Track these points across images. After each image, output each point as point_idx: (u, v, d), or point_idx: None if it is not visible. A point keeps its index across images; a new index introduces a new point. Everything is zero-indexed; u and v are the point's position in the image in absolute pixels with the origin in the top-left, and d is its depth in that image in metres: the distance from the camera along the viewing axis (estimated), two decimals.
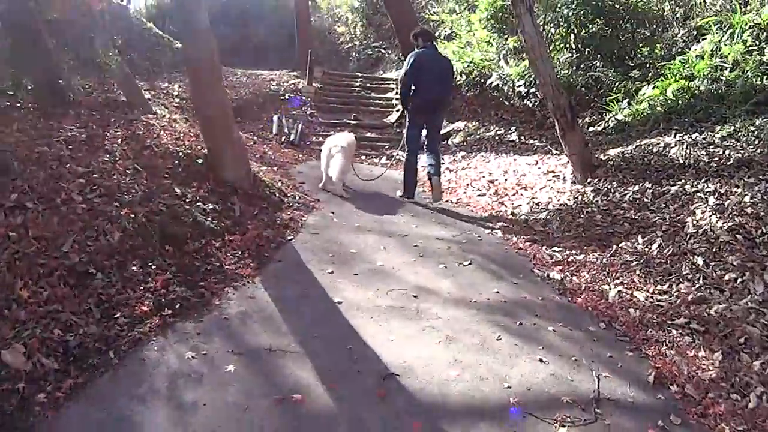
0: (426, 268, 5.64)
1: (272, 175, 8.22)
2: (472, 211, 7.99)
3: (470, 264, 5.85)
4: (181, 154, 6.54)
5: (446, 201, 8.40)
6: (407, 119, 8.07)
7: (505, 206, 7.90)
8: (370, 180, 8.96)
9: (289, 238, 6.04)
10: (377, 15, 21.66)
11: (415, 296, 5.00)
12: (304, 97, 15.17)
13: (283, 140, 12.18)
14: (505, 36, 13.69)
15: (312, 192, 8.10)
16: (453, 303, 4.93)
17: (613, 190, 7.15)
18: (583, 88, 10.60)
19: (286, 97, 14.86)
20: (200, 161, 6.51)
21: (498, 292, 5.21)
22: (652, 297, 5.03)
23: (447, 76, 7.86)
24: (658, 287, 5.14)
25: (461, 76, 13.36)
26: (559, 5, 11.38)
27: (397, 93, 13.86)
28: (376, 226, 6.78)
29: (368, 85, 16.74)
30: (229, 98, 8.05)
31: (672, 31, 11.28)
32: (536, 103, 11.44)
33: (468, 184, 9.15)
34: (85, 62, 9.44)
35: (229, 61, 17.34)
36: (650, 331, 4.54)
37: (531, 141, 10.63)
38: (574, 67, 11.06)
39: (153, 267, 4.59)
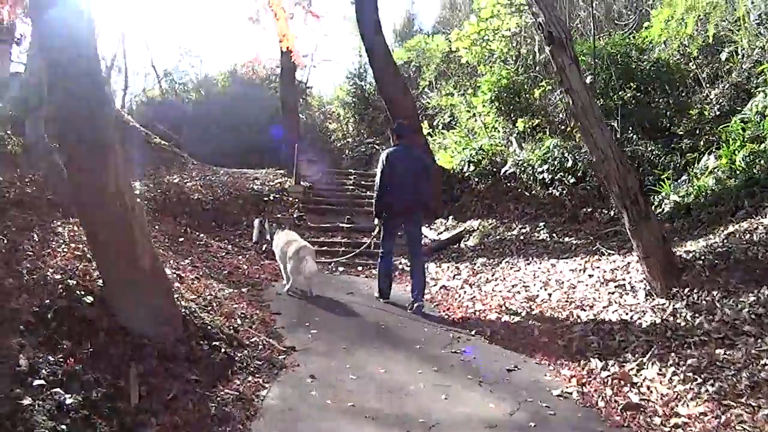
0: None
1: (231, 305, 5.86)
2: (517, 349, 5.42)
3: None
4: (61, 287, 4.10)
5: (476, 333, 5.88)
6: (380, 226, 7.09)
7: (561, 338, 5.37)
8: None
9: None
10: (369, 109, 20.68)
11: None
12: (290, 198, 12.94)
13: (264, 248, 9.96)
14: (513, 118, 11.87)
15: (288, 329, 5.72)
16: None
17: (717, 304, 4.80)
18: None
19: (271, 198, 12.62)
20: (90, 300, 4.03)
21: None
22: None
23: (422, 175, 6.90)
24: None
25: (468, 166, 11.37)
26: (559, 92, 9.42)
27: None
28: (382, 406, 4.07)
29: (362, 182, 14.60)
30: (139, 204, 5.94)
31: (704, 93, 9.56)
32: (564, 192, 9.20)
33: (500, 305, 6.65)
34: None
35: (220, 162, 16.08)
36: None
37: (566, 239, 8.33)
38: None
39: None
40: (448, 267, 8.89)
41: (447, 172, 12.02)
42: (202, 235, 9.78)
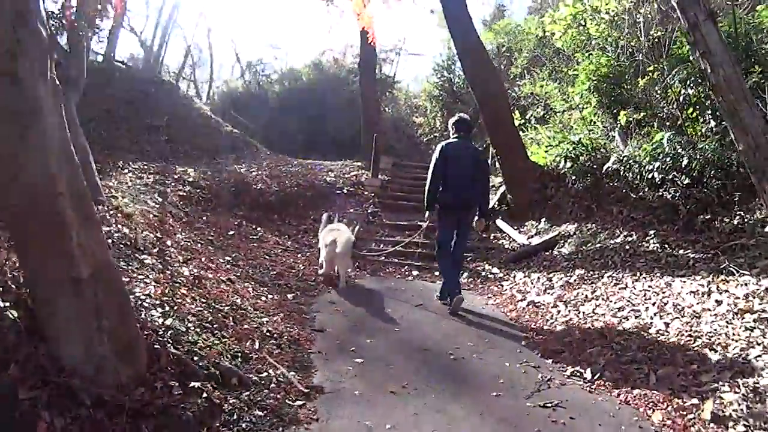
0: None
1: (258, 319, 4.86)
2: (629, 402, 4.10)
3: None
4: None
5: (573, 373, 4.62)
6: (438, 220, 6.81)
7: (688, 392, 3.99)
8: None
9: None
10: (458, 103, 19.13)
11: None
12: (366, 193, 11.91)
13: None
14: (614, 111, 10.54)
15: (325, 355, 4.68)
16: None
17: None
18: (740, 169, 6.87)
19: (344, 191, 11.62)
20: (15, 316, 2.97)
21: None
22: None
23: (481, 167, 6.76)
24: None
25: (564, 162, 9.92)
26: (691, 58, 7.84)
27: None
28: None
29: None
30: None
31: None
32: (677, 194, 7.66)
33: (604, 334, 5.29)
34: None
35: (299, 154, 15.74)
36: None
37: (681, 251, 6.83)
38: (720, 142, 7.45)
39: None
40: (539, 278, 7.58)
41: (540, 168, 10.61)
42: (259, 228, 8.96)
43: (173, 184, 9.19)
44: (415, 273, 8.29)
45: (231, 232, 8.19)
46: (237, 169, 11.77)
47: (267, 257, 7.67)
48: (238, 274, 6.22)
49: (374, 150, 12.71)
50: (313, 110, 20.42)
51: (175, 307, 4.00)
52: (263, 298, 5.65)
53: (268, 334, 4.64)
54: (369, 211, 10.97)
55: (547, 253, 8.52)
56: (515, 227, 9.84)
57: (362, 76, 17.05)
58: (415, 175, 13.88)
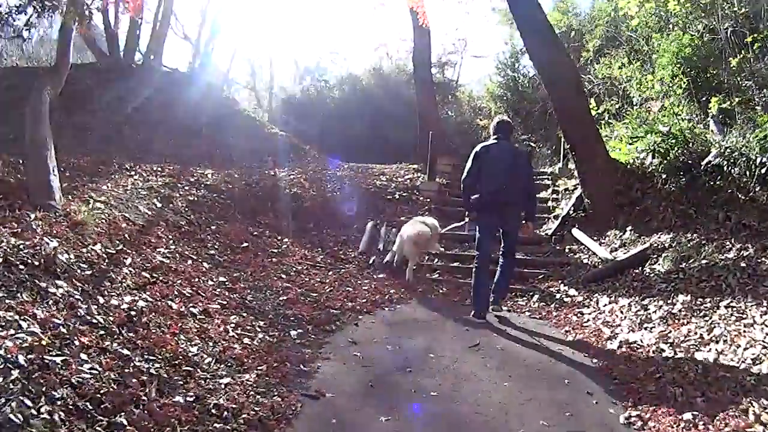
0: None
1: (215, 381, 3.37)
2: None
3: None
4: None
5: None
6: (476, 223, 6.33)
7: None
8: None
9: None
10: (524, 102, 17.89)
11: None
12: (422, 198, 10.25)
13: (371, 262, 7.73)
14: (703, 97, 9.24)
15: None
16: None
17: None
18: None
19: (396, 196, 9.95)
20: None
21: None
22: None
23: (520, 168, 6.23)
24: None
25: (652, 157, 8.18)
26: None
27: (553, 192, 10.54)
28: None
29: None
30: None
31: None
32: None
33: (738, 403, 3.38)
34: None
35: (357, 158, 14.17)
36: None
37: None
38: None
39: None
40: (630, 306, 5.72)
41: (621, 167, 8.57)
42: (286, 239, 7.48)
43: (186, 187, 7.91)
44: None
45: (244, 245, 6.69)
46: (270, 172, 10.31)
47: (283, 276, 6.14)
48: (225, 303, 4.68)
49: (429, 149, 11.08)
50: (372, 115, 19.41)
51: (42, 374, 2.38)
52: (248, 340, 4.03)
53: (213, 411, 2.94)
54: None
55: (637, 271, 6.59)
56: (594, 238, 7.92)
57: (416, 64, 15.10)
58: None
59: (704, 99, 9.05)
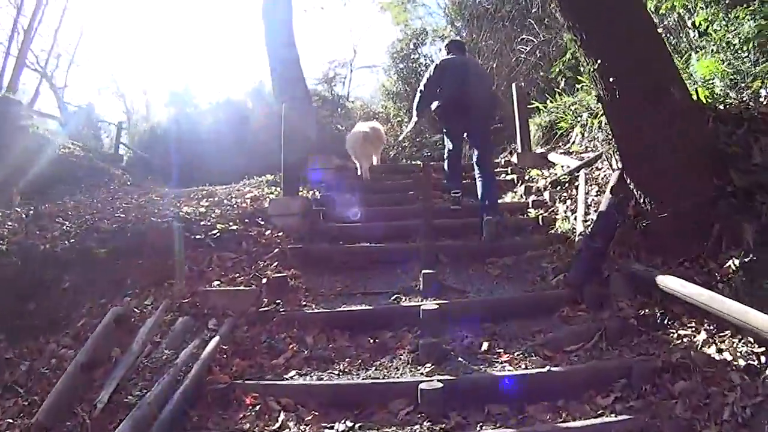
0: None
1: None
2: None
3: None
4: None
5: None
6: (444, 135, 6.10)
7: None
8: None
9: None
10: None
11: None
12: (268, 234, 5.28)
13: None
14: None
15: None
16: None
17: None
18: None
19: (214, 235, 4.81)
20: None
21: None
22: None
23: (483, 77, 6.20)
24: None
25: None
26: None
27: (526, 190, 6.81)
28: None
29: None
30: None
31: None
32: None
33: None
34: None
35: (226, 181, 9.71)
36: None
37: None
38: None
39: None
40: None
41: (711, 112, 3.56)
42: None
43: None
44: None
45: None
46: None
47: None
48: None
49: (284, 137, 6.23)
50: (253, 138, 16.26)
51: None
52: None
53: None
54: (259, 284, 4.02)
55: None
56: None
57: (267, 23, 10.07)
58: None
59: None
